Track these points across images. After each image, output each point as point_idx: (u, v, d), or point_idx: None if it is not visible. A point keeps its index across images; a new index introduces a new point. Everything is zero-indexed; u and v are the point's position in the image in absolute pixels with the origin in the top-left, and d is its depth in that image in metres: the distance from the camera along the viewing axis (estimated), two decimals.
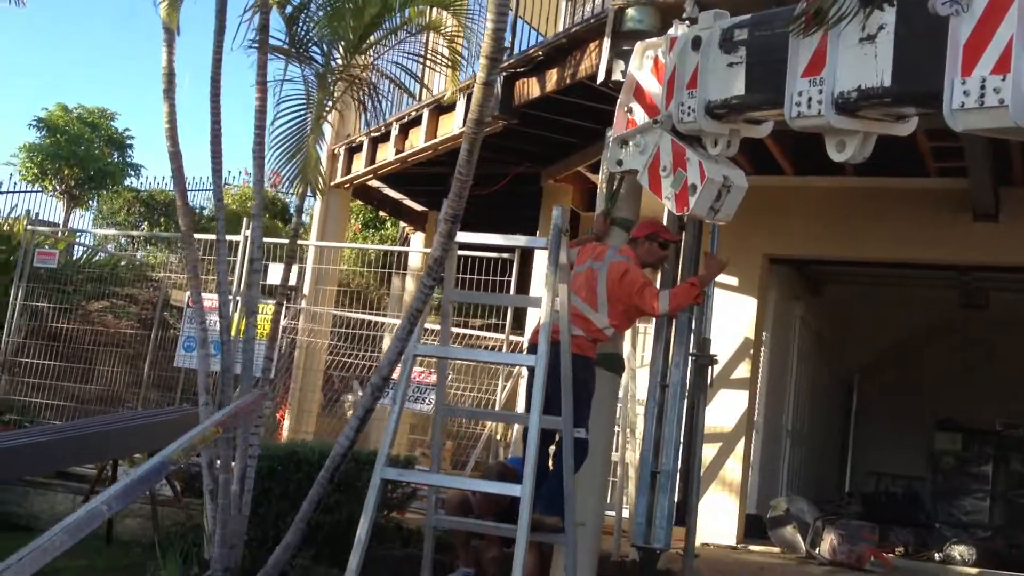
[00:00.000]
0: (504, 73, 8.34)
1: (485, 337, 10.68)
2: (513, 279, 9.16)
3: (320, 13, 6.04)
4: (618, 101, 6.08)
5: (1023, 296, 11.98)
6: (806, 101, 4.41)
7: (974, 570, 9.78)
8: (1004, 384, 13.73)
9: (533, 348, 5.52)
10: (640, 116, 5.86)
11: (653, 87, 5.75)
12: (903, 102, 4.25)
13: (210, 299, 6.97)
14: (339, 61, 6.15)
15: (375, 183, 11.58)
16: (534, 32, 9.85)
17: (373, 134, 10.50)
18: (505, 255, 9.22)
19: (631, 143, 5.92)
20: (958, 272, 11.08)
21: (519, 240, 5.71)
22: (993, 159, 8.44)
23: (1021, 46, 3.76)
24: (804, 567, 8.60)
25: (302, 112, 6.02)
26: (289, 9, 6.07)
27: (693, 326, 6.68)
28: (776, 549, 9.30)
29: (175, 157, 5.83)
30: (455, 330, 10.97)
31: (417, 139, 9.76)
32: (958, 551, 10.55)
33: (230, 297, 8.27)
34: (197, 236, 8.79)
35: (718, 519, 9.56)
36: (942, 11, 3.89)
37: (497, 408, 9.56)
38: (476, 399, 10.42)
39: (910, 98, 4.19)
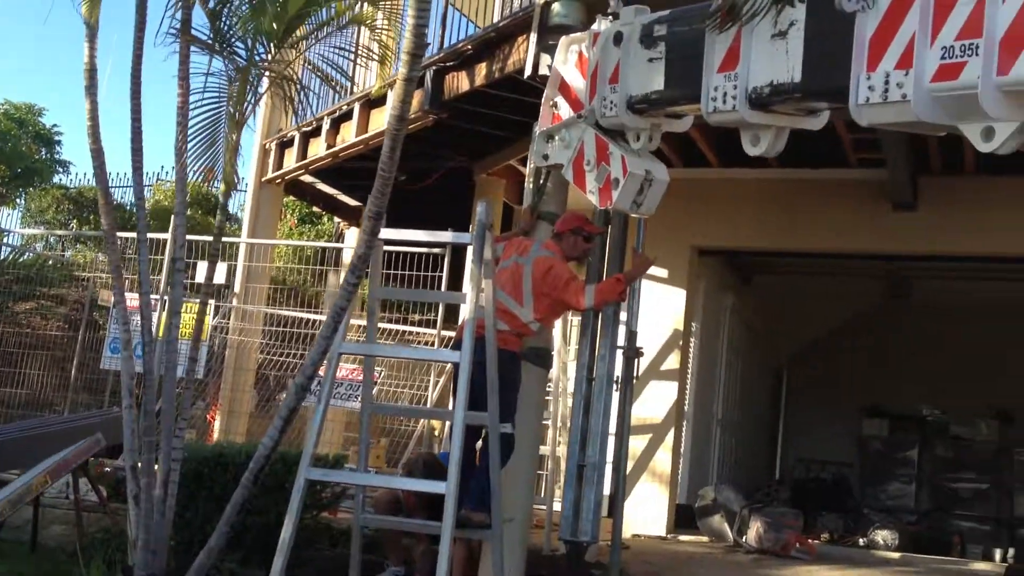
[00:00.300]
0: (434, 67, 8.35)
1: (422, 333, 10.68)
2: (445, 274, 9.17)
3: (244, 7, 5.97)
4: (543, 95, 6.12)
5: (944, 284, 12.28)
6: (721, 96, 4.49)
7: (896, 554, 10.01)
8: (928, 370, 14.09)
9: (458, 344, 5.54)
10: (565, 111, 5.91)
11: (577, 82, 5.80)
12: (813, 97, 4.35)
13: (134, 299, 6.87)
14: (264, 56, 6.10)
15: (308, 178, 11.49)
16: (471, 23, 9.84)
17: (304, 129, 10.42)
18: (436, 250, 9.22)
19: (556, 138, 5.97)
20: (883, 261, 11.31)
21: (445, 236, 5.74)
22: (911, 150, 8.64)
23: (923, 42, 3.87)
24: (731, 556, 8.74)
25: (221, 107, 5.95)
26: (212, 3, 6.00)
27: (622, 318, 6.78)
28: (705, 539, 9.44)
29: (97, 155, 5.73)
30: (393, 327, 10.97)
31: (349, 134, 9.71)
32: (881, 536, 10.80)
33: (155, 297, 8.20)
34: (122, 235, 8.69)
35: (649, 510, 9.68)
36: (848, 7, 3.98)
37: (430, 404, 9.56)
38: (413, 396, 10.41)
39: (819, 93, 4.29)
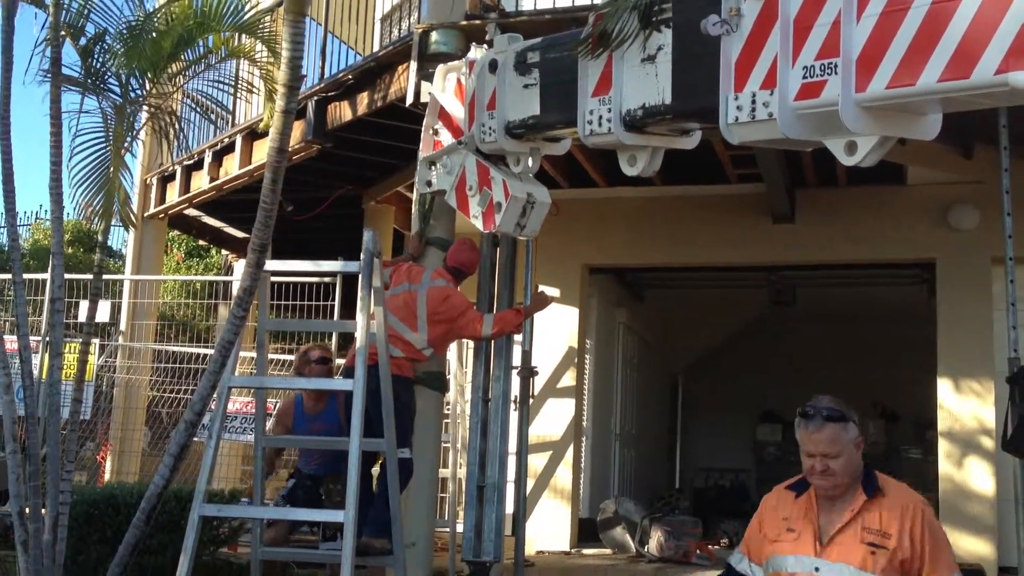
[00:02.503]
0: (315, 97, 8.34)
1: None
2: (337, 303, 9.12)
3: (117, 45, 5.88)
4: (424, 123, 6.19)
5: (826, 291, 12.69)
6: (597, 119, 4.61)
7: None
8: (816, 374, 14.48)
9: (349, 372, 5.55)
10: (446, 137, 5.98)
11: (456, 109, 5.87)
12: (684, 118, 4.49)
13: (14, 341, 6.67)
14: (139, 92, 6.01)
15: (192, 212, 11.30)
16: (351, 51, 9.85)
17: (186, 163, 10.26)
18: (327, 280, 9.18)
19: (439, 164, 6.04)
20: (766, 272, 11.65)
21: (333, 265, 5.74)
22: (787, 164, 8.96)
23: (785, 63, 4.03)
24: (634, 566, 8.87)
25: (102, 145, 5.84)
26: (83, 41, 5.90)
27: (516, 339, 6.88)
28: (608, 551, 9.56)
29: None
30: (290, 357, 10.82)
31: (232, 166, 9.60)
32: None
33: (37, 339, 7.97)
34: None
35: (551, 526, 9.77)
36: (713, 32, 4.13)
37: None
38: None
39: (690, 114, 4.44)
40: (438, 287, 6.13)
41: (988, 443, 8.98)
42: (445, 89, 6.04)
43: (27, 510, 5.36)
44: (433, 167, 6.13)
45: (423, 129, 6.19)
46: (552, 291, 9.76)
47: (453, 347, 8.24)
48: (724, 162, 9.13)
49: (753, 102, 4.08)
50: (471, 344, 8.28)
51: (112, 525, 6.31)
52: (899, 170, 9.29)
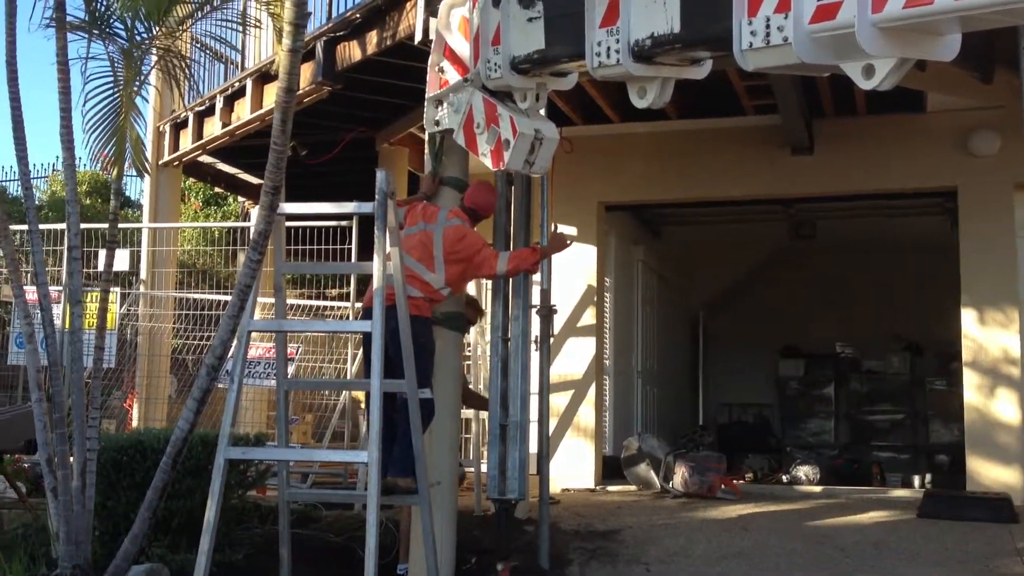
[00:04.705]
0: (324, 38, 8.26)
1: (339, 307, 10.63)
2: (354, 246, 9.11)
3: None
4: (429, 61, 6.12)
5: (846, 223, 12.58)
6: (605, 51, 4.52)
7: (818, 488, 10.32)
8: (838, 308, 14.46)
9: (368, 313, 5.55)
10: (452, 75, 5.91)
11: (461, 46, 5.79)
12: (694, 46, 4.40)
13: (32, 292, 6.73)
14: (145, 35, 5.96)
15: (206, 159, 11.28)
16: None
17: (197, 108, 10.22)
18: (343, 223, 9.17)
19: (445, 103, 5.98)
20: (785, 205, 11.55)
21: (347, 207, 5.70)
22: (804, 94, 8.83)
23: None
24: (659, 502, 8.93)
25: (111, 90, 5.81)
26: None
27: (535, 278, 6.87)
28: (633, 488, 9.62)
29: None
30: (309, 302, 10.90)
31: (243, 111, 9.56)
32: (803, 471, 11.12)
33: (57, 288, 8.02)
34: (16, 227, 8.47)
35: (576, 464, 9.83)
36: None
37: (351, 376, 9.53)
38: (335, 369, 10.38)
39: (700, 42, 4.34)
40: (453, 226, 6.09)
41: (1014, 371, 8.95)
42: (450, 26, 5.94)
43: (55, 458, 5.45)
44: (440, 106, 6.06)
45: (429, 67, 6.11)
46: (570, 230, 9.79)
47: (471, 287, 8.23)
48: (740, 93, 9.02)
49: (767, 27, 3.98)
50: (490, 284, 8.29)
51: (141, 470, 6.38)
52: (918, 97, 9.15)
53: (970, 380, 9.14)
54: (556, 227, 6.60)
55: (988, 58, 8.11)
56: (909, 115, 9.35)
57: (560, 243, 6.56)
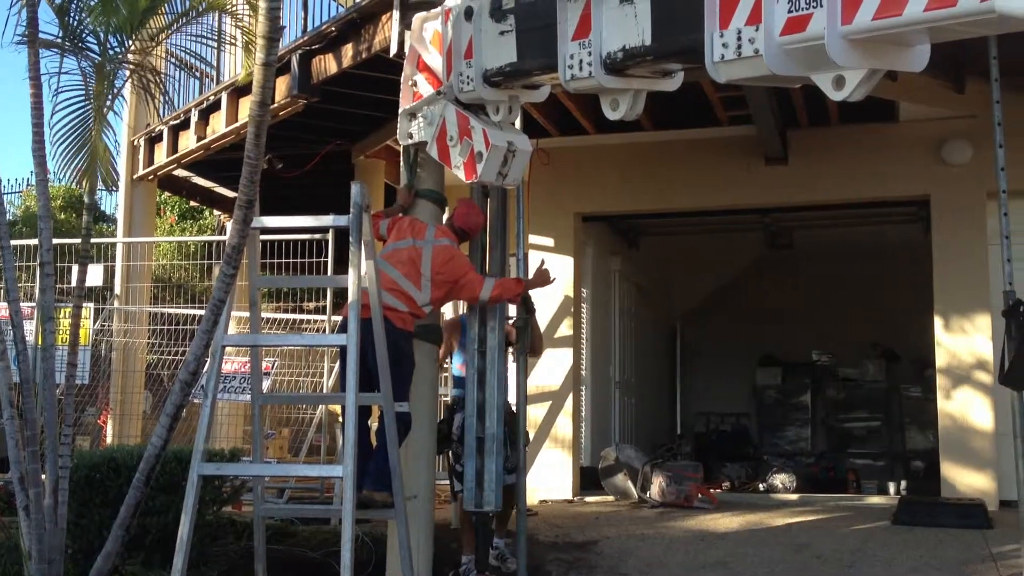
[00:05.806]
0: (299, 51, 8.25)
1: (316, 320, 10.59)
2: (330, 259, 9.09)
3: (92, 1, 5.80)
4: (402, 74, 6.13)
5: (822, 232, 12.65)
6: (578, 64, 4.54)
7: (795, 495, 10.35)
8: (814, 316, 14.52)
9: (344, 326, 5.53)
10: (425, 88, 5.92)
11: (434, 59, 5.81)
12: (666, 59, 4.42)
13: (5, 308, 6.67)
14: (119, 49, 5.94)
15: (181, 172, 11.24)
16: (334, 3, 9.70)
17: (172, 122, 10.17)
18: (319, 235, 9.15)
19: (419, 115, 6.00)
20: (759, 214, 11.60)
21: (324, 220, 5.68)
22: (778, 104, 8.88)
23: None
24: (636, 512, 8.93)
25: (82, 104, 5.79)
26: (59, 0, 5.82)
27: None
28: (611, 498, 9.62)
29: None
30: (285, 316, 10.85)
31: (218, 124, 9.52)
32: (779, 479, 11.15)
33: (30, 305, 7.94)
34: None
35: (553, 475, 9.82)
36: None
37: (327, 390, 9.50)
38: (312, 383, 10.34)
39: (672, 55, 4.37)
40: (442, 246, 6.16)
41: (986, 378, 8.99)
42: (423, 39, 5.96)
43: (27, 476, 5.39)
44: (414, 119, 6.07)
45: (402, 81, 6.13)
46: (547, 241, 9.82)
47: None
48: (715, 104, 9.06)
49: (739, 39, 4.01)
50: None
51: (114, 487, 6.33)
52: (891, 107, 9.22)
53: (944, 387, 9.20)
54: (543, 263, 6.69)
55: (960, 67, 8.21)
56: (882, 125, 9.42)
57: (544, 278, 6.66)
